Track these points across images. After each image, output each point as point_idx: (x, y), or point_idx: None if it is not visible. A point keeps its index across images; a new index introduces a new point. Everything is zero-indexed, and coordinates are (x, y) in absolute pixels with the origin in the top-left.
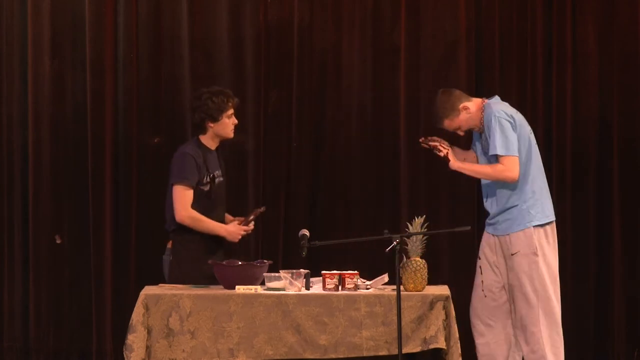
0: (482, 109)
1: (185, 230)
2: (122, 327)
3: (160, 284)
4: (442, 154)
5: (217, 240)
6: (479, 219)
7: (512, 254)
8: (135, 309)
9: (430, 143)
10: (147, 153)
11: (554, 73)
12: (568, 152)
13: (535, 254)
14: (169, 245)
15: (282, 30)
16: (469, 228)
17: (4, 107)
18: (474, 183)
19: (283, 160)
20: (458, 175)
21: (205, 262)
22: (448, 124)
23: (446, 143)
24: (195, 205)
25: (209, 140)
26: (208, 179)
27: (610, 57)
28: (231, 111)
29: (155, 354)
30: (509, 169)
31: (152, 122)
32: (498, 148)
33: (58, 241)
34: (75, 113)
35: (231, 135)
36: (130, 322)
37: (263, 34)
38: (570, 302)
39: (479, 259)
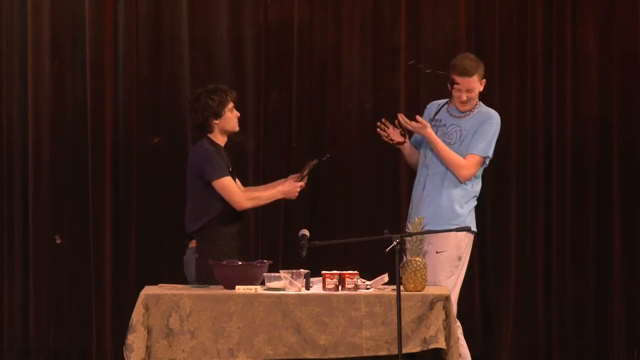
0: (478, 103)
1: (211, 228)
2: (122, 327)
3: (160, 284)
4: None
5: (239, 238)
6: (479, 218)
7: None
8: (135, 309)
9: (384, 129)
10: (147, 153)
11: (554, 73)
12: (568, 152)
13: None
14: (192, 245)
15: (282, 30)
16: (469, 228)
17: (4, 107)
18: None
19: (283, 160)
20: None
21: (231, 258)
22: (474, 80)
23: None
24: (221, 203)
25: (218, 138)
26: (229, 172)
27: (610, 57)
28: (231, 104)
29: (155, 354)
30: (469, 167)
31: (152, 122)
32: (478, 149)
33: (58, 241)
34: (75, 113)
35: (236, 128)
36: (130, 322)
37: (263, 34)
38: (570, 303)
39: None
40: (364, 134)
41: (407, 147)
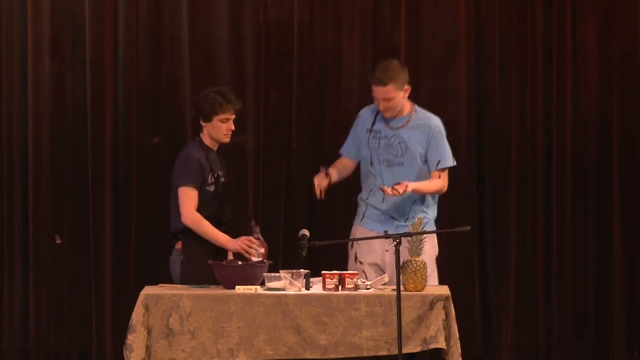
0: (413, 109)
1: (192, 232)
2: (122, 327)
3: (160, 284)
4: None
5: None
6: (479, 218)
7: None
8: (135, 309)
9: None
10: (147, 153)
11: (554, 73)
12: (568, 152)
13: None
14: (178, 245)
15: (282, 30)
16: (469, 228)
17: (4, 107)
18: (474, 184)
19: (283, 160)
20: (458, 175)
21: (216, 259)
22: (389, 90)
23: (324, 170)
24: (204, 208)
25: (208, 140)
26: (212, 179)
27: (610, 57)
28: (226, 115)
29: (155, 354)
30: (445, 182)
31: (152, 122)
32: (452, 160)
33: (58, 241)
34: (75, 113)
35: (224, 140)
36: (130, 322)
37: (263, 34)
38: (570, 303)
39: None
40: None
41: (335, 178)
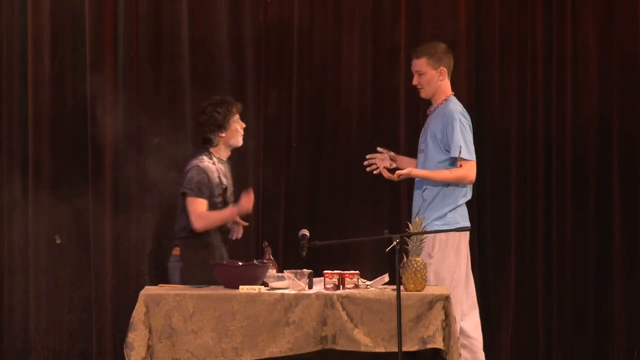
0: (447, 98)
1: (195, 237)
2: (122, 327)
3: (160, 284)
4: (385, 173)
5: (225, 245)
6: (479, 218)
7: None
8: (136, 307)
9: (371, 161)
10: (147, 153)
11: (554, 73)
12: (568, 152)
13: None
14: (175, 252)
15: (282, 30)
16: (469, 228)
17: (4, 107)
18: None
19: (283, 160)
20: None
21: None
22: (422, 62)
23: (391, 153)
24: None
25: (220, 152)
26: (220, 191)
27: (610, 57)
28: (237, 116)
29: (158, 354)
30: (469, 174)
31: (152, 122)
32: (463, 152)
33: (58, 241)
34: (75, 113)
35: (240, 142)
36: (131, 320)
37: (263, 34)
38: (570, 302)
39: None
40: (364, 134)
41: (405, 161)
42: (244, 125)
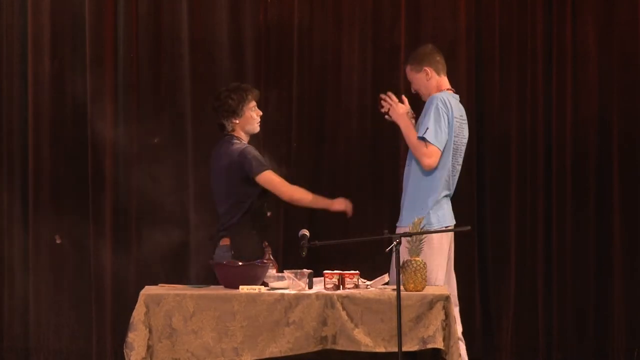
0: (439, 91)
1: (244, 226)
2: (122, 328)
3: (160, 284)
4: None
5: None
6: (479, 218)
7: None
8: (136, 307)
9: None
10: (147, 153)
11: (554, 73)
12: (568, 152)
13: None
14: (224, 242)
15: (282, 30)
16: (469, 228)
17: (4, 107)
18: (474, 184)
19: (283, 160)
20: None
21: (260, 255)
22: (407, 70)
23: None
24: (261, 198)
25: (241, 136)
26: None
27: (610, 57)
28: (253, 103)
29: (158, 354)
30: (430, 158)
31: (152, 122)
32: (429, 134)
33: (58, 241)
34: (75, 113)
35: (257, 129)
36: (131, 320)
37: (263, 34)
38: (570, 302)
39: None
40: (364, 134)
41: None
42: (261, 113)
